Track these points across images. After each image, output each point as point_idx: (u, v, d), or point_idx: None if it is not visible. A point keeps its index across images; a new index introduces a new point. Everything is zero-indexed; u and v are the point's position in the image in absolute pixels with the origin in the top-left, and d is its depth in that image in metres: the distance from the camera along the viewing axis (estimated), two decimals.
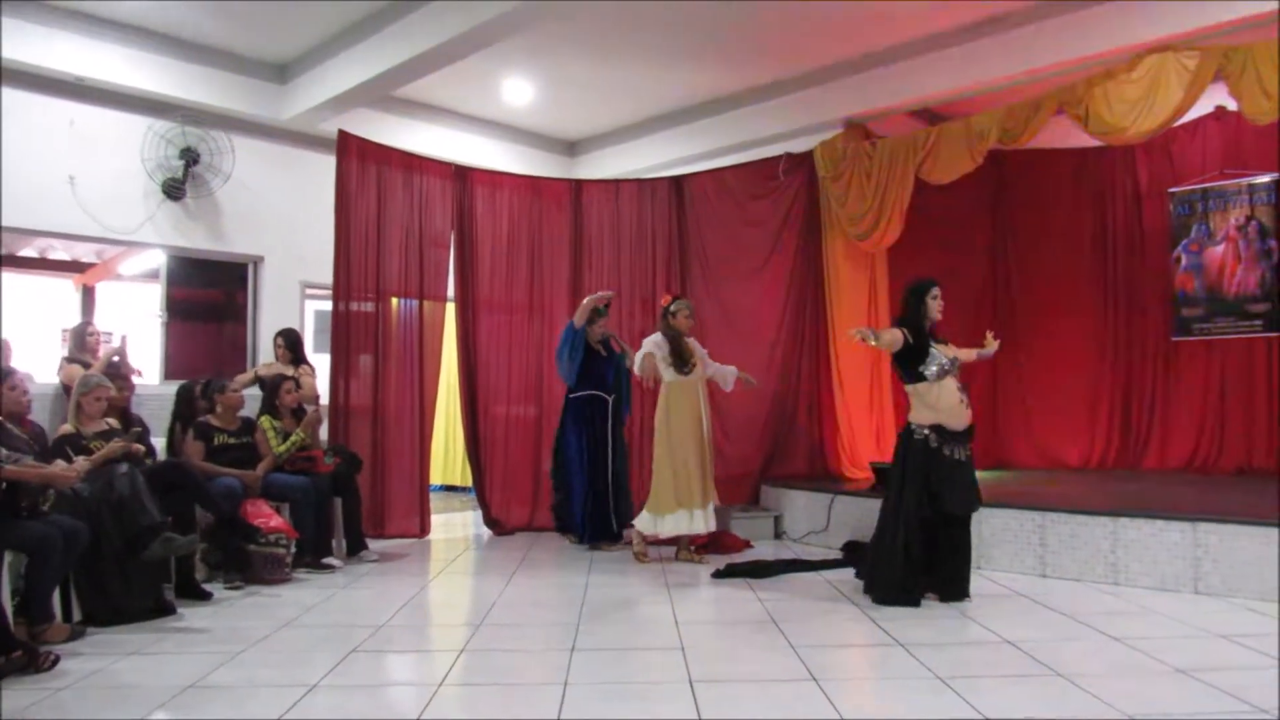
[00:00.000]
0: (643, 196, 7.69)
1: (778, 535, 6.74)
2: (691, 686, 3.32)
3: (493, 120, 8.58)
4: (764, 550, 6.18)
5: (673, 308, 5.89)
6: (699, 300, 7.44)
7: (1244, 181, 7.42)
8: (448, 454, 9.69)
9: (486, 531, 7.13)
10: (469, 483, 7.81)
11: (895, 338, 4.61)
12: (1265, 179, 7.32)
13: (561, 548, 6.50)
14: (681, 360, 5.78)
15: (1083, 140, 6.41)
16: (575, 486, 6.45)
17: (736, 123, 7.94)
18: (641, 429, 7.11)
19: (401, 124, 7.93)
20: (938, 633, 4.12)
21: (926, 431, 4.58)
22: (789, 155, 7.36)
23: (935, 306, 4.69)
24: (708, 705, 3.12)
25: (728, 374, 6.10)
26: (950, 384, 4.57)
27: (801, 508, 6.62)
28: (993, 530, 5.44)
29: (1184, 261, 7.74)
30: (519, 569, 5.71)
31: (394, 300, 6.96)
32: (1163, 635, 3.97)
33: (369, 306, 6.77)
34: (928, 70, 6.76)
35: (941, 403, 4.56)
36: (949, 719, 2.98)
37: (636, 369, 5.77)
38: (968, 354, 4.87)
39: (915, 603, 4.52)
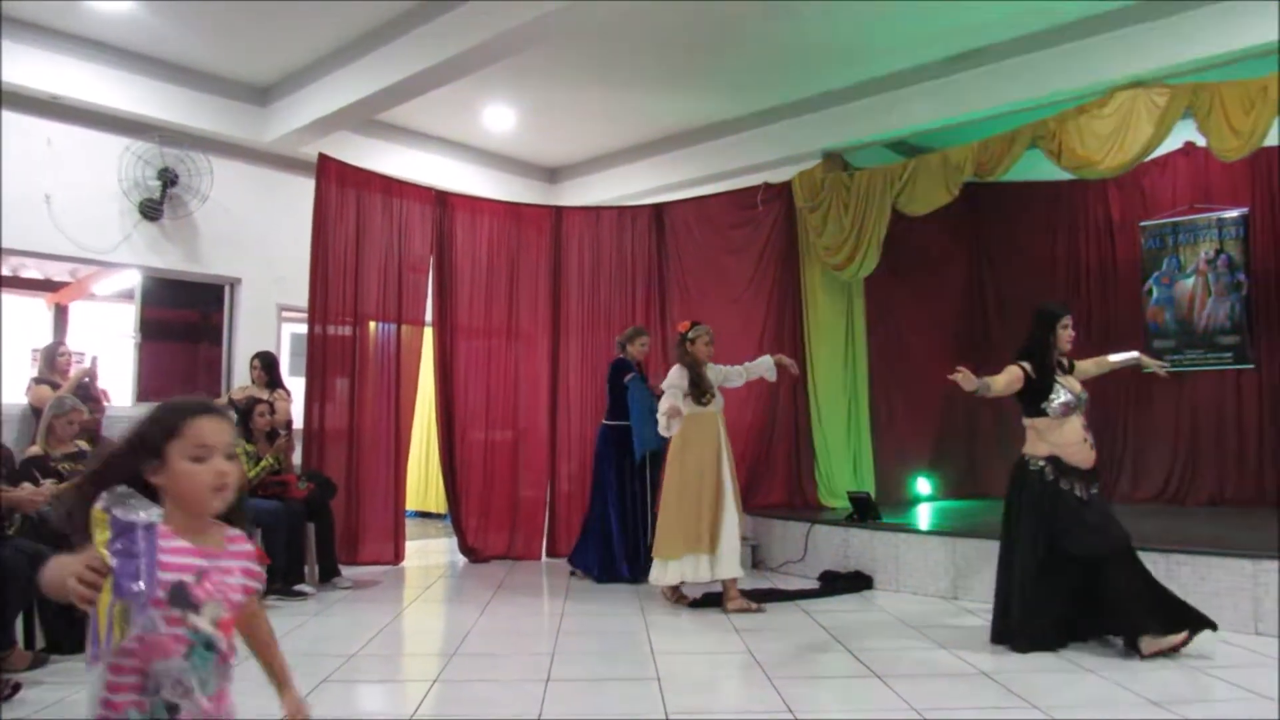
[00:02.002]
0: (623, 224, 7.73)
1: (755, 564, 6.71)
2: (667, 716, 3.28)
3: (474, 146, 8.60)
4: (741, 580, 6.14)
5: (691, 334, 5.46)
6: (677, 327, 7.48)
7: (1213, 215, 7.55)
8: (424, 480, 9.62)
9: (462, 559, 7.06)
10: (445, 509, 7.75)
11: (1012, 378, 4.25)
12: (1234, 213, 7.46)
13: (534, 576, 6.45)
14: (700, 391, 5.33)
15: (1057, 174, 6.51)
16: (611, 520, 6.19)
17: (716, 152, 8.00)
18: None
19: (383, 148, 7.93)
20: (915, 664, 4.11)
21: (1043, 463, 4.23)
22: (768, 185, 7.42)
23: (1065, 337, 4.33)
24: None
25: (762, 366, 5.64)
26: (1075, 422, 4.23)
27: (779, 537, 6.61)
28: (966, 559, 5.45)
29: (1155, 294, 7.85)
30: (494, 597, 5.65)
31: (371, 324, 6.93)
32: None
33: (346, 330, 6.74)
34: (905, 103, 6.86)
35: (1063, 440, 4.22)
36: None
37: (663, 427, 5.29)
38: (1098, 364, 4.59)
39: (1050, 647, 4.14)
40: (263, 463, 5.82)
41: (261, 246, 7.53)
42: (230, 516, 1.64)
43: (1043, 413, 4.21)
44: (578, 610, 5.31)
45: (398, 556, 6.80)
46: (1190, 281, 7.68)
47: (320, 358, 6.59)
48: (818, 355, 7.27)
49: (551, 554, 7.25)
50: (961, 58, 6.50)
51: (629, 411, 6.15)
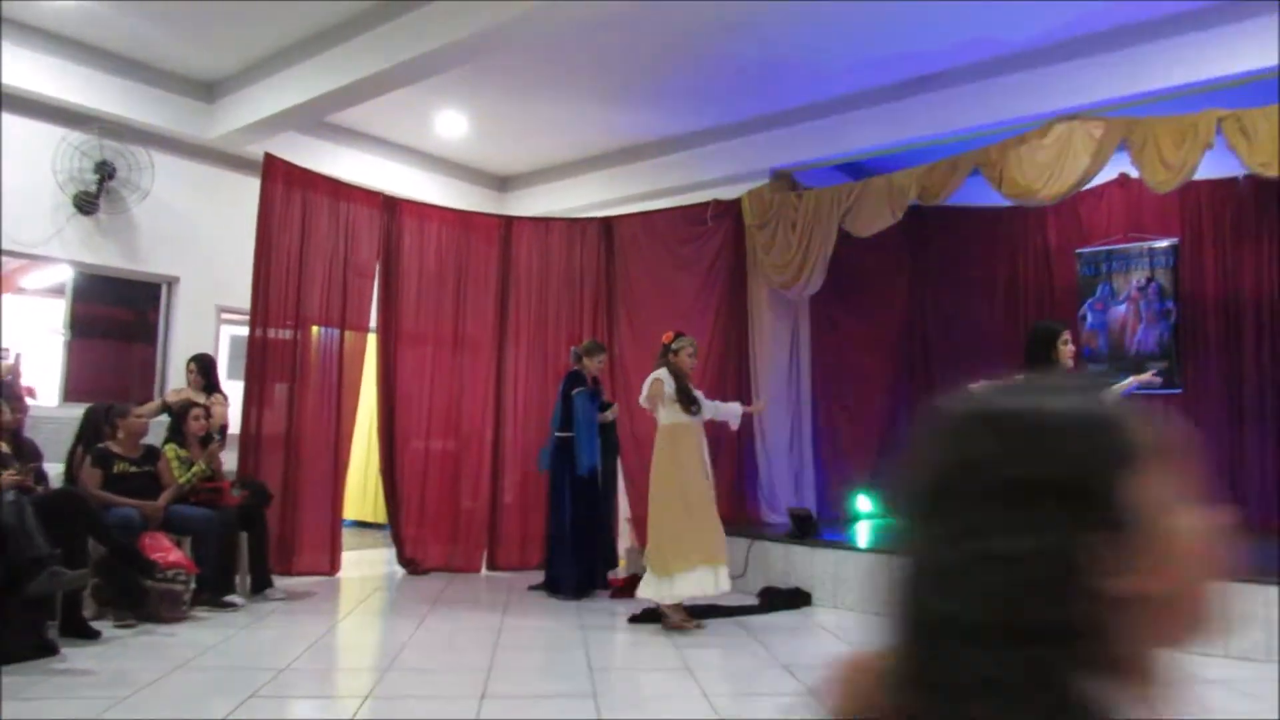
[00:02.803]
0: (572, 236, 7.71)
1: None
2: None
3: (424, 152, 8.52)
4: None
5: (675, 345, 5.33)
6: (624, 341, 7.49)
7: (1145, 245, 7.79)
8: (363, 489, 9.46)
9: (400, 571, 6.95)
10: (384, 519, 7.63)
11: None
12: (1164, 243, 7.71)
13: (474, 589, 6.38)
14: (689, 399, 5.20)
15: (998, 200, 6.67)
16: (568, 534, 6.12)
17: (667, 168, 8.04)
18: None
19: (331, 150, 7.81)
20: None
21: None
22: (717, 201, 7.47)
23: (1066, 353, 4.26)
24: None
25: (732, 411, 5.60)
26: None
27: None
28: None
29: (1089, 319, 8.06)
30: (431, 611, 5.57)
31: (314, 328, 6.81)
32: None
33: (287, 334, 6.61)
34: (854, 127, 6.97)
35: None
36: None
37: (644, 398, 5.25)
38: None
39: None
40: (195, 468, 5.67)
41: (202, 246, 7.35)
42: None
43: None
44: (516, 624, 5.26)
45: (334, 567, 6.67)
46: (1123, 308, 7.91)
47: (260, 362, 6.45)
48: (762, 371, 7.33)
49: (492, 566, 7.18)
50: (909, 84, 6.64)
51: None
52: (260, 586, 5.78)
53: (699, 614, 5.40)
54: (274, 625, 5.07)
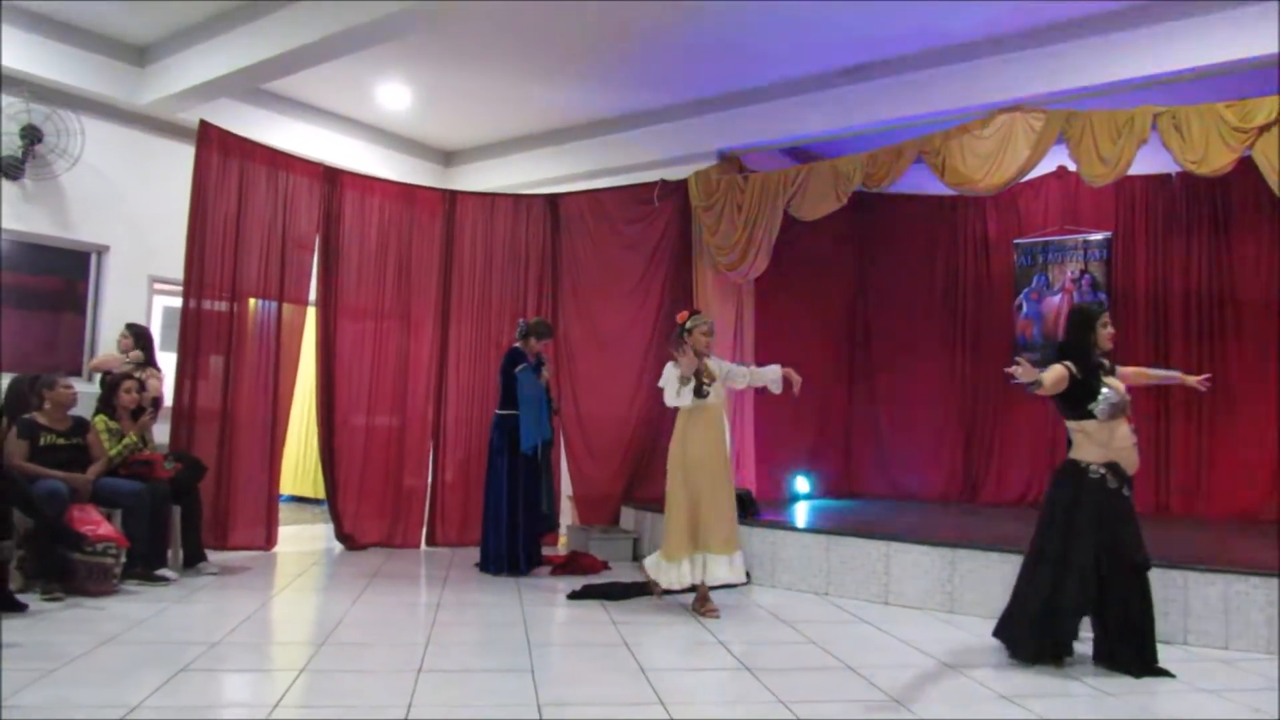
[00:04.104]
0: (518, 212, 7.66)
1: (636, 557, 6.77)
2: (539, 709, 3.28)
3: (367, 123, 8.36)
4: (622, 572, 6.20)
5: (689, 324, 5.12)
6: (568, 320, 7.49)
7: (1080, 237, 8.01)
8: (301, 464, 9.32)
9: (338, 546, 6.88)
10: (322, 494, 7.53)
11: (1059, 377, 4.01)
12: (1098, 236, 7.93)
13: (413, 565, 6.35)
14: (699, 380, 5.03)
15: (940, 188, 6.78)
16: (503, 511, 6.06)
17: (614, 146, 8.01)
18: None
19: (269, 119, 7.62)
20: (786, 659, 4.23)
21: (1103, 471, 4.00)
22: (664, 182, 7.48)
23: (1106, 335, 4.14)
24: None
25: (770, 376, 5.28)
26: (1123, 425, 4.04)
27: (660, 530, 6.66)
28: (841, 558, 5.64)
29: (1025, 308, 8.27)
30: (369, 586, 5.53)
31: (251, 301, 6.67)
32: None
33: (223, 305, 6.47)
34: (801, 111, 7.03)
35: (1116, 443, 4.01)
36: None
37: (671, 396, 5.00)
38: (1138, 374, 4.44)
39: (1061, 662, 4.01)
40: (125, 440, 5.53)
41: (134, 214, 7.13)
42: None
43: (1089, 415, 4.01)
44: (455, 600, 5.24)
45: (269, 542, 6.57)
46: (1057, 299, 8.12)
47: (194, 333, 6.30)
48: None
49: (431, 542, 7.14)
50: (855, 70, 6.71)
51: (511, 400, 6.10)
52: (193, 560, 5.67)
53: (638, 591, 5.44)
54: (206, 600, 4.99)
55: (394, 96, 7.63)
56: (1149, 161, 6.22)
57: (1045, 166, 6.86)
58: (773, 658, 4.20)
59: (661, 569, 5.03)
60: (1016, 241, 8.31)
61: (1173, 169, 6.75)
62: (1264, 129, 5.23)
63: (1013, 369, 3.93)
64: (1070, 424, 4.13)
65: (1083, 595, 3.95)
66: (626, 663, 3.98)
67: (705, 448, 5.02)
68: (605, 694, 3.54)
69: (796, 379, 5.21)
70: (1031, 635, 4.05)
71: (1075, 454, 4.09)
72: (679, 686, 3.74)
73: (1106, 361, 4.18)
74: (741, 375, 5.34)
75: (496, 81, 7.23)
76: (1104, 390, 4.01)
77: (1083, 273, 8.01)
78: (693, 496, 4.99)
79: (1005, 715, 3.40)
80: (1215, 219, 7.47)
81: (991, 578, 5.08)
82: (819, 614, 5.11)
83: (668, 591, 5.10)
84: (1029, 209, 8.28)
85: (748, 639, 4.51)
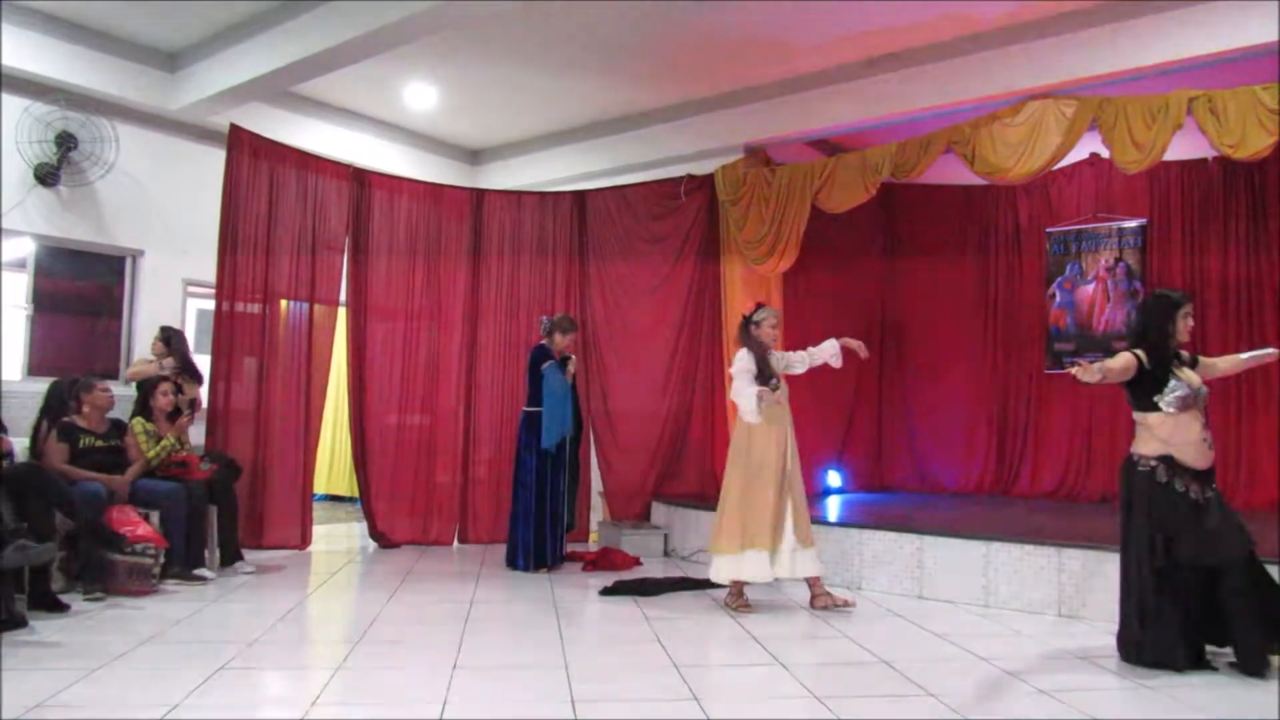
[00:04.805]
0: (544, 209, 7.67)
1: (667, 553, 6.77)
2: (573, 706, 3.29)
3: (394, 123, 8.42)
4: (653, 568, 6.21)
5: (756, 317, 5.09)
6: (596, 316, 7.49)
7: (1114, 225, 7.89)
8: (334, 463, 9.41)
9: (372, 544, 6.94)
10: (355, 493, 7.59)
11: (1127, 364, 3.91)
12: (1133, 224, 7.80)
13: (446, 563, 6.39)
14: (765, 377, 4.95)
15: (970, 178, 6.70)
16: (531, 507, 6.08)
17: (640, 141, 8.00)
18: None
19: (297, 121, 7.70)
20: (822, 654, 4.20)
21: (1154, 464, 3.89)
22: (691, 176, 7.46)
23: (1185, 327, 3.98)
24: None
25: (826, 352, 5.19)
26: (1192, 418, 3.88)
27: (692, 525, 6.67)
28: (874, 553, 5.60)
29: (1058, 298, 8.16)
30: (403, 584, 5.57)
31: (283, 302, 6.74)
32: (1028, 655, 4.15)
33: (255, 308, 6.54)
34: (827, 102, 6.97)
35: (1176, 438, 3.87)
36: None
37: (750, 411, 4.90)
38: (1232, 363, 4.25)
39: (1178, 667, 3.76)
40: (163, 442, 5.61)
41: (167, 218, 7.23)
42: None
43: (1155, 407, 3.89)
44: (488, 598, 5.27)
45: (304, 541, 6.65)
46: (1090, 287, 8.01)
47: (228, 335, 6.39)
48: (734, 347, 7.33)
49: (464, 540, 7.18)
50: (882, 60, 6.64)
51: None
52: (229, 560, 5.75)
53: (670, 587, 5.44)
54: (243, 598, 5.05)
55: (420, 96, 7.67)
56: (1183, 146, 6.11)
57: (1077, 154, 6.76)
58: (806, 652, 4.17)
59: (724, 566, 4.92)
60: (1049, 230, 8.20)
61: (1209, 153, 6.62)
62: None
63: (1073, 369, 3.84)
64: (1136, 415, 4.00)
65: (1151, 592, 3.82)
66: (659, 658, 3.98)
67: (770, 444, 4.92)
68: (639, 689, 3.54)
69: (856, 343, 5.16)
70: (1145, 637, 3.87)
71: (1134, 447, 4.00)
72: (713, 682, 3.73)
73: (1187, 354, 4.04)
74: (800, 360, 5.21)
75: (521, 78, 7.25)
76: (1173, 382, 3.88)
77: (1117, 260, 7.89)
78: (755, 492, 4.87)
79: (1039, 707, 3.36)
80: (1253, 203, 7.31)
81: (1025, 570, 5.03)
82: (852, 607, 5.06)
83: (739, 594, 4.96)
84: (1061, 197, 8.17)
85: (781, 633, 4.49)
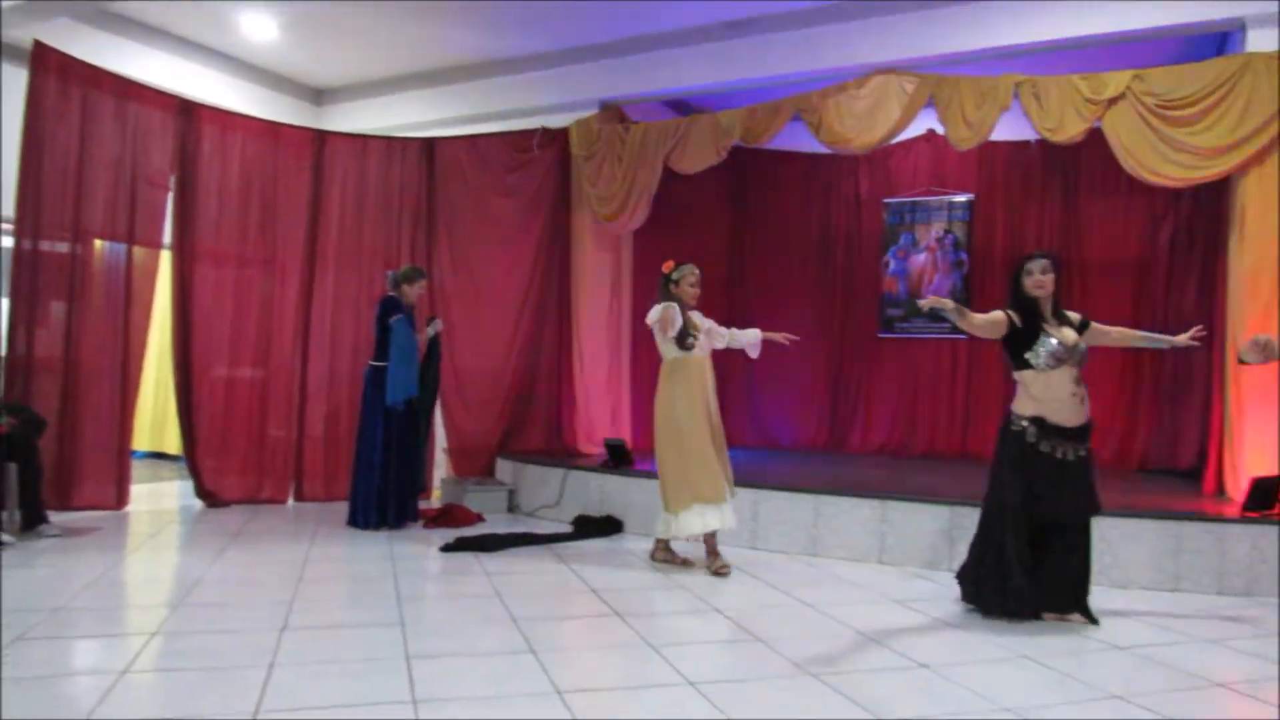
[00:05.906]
0: (392, 156, 7.36)
1: (511, 509, 6.75)
2: (408, 662, 3.24)
3: (229, 54, 7.84)
4: (497, 524, 6.17)
5: (675, 275, 5.01)
6: (444, 268, 7.31)
7: (945, 199, 8.32)
8: (157, 418, 8.85)
9: (198, 504, 6.57)
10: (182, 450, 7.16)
11: (994, 319, 4.02)
12: (962, 198, 8.25)
13: (279, 521, 6.15)
14: (684, 333, 4.93)
15: (816, 146, 6.89)
16: (376, 464, 5.90)
17: (494, 91, 7.80)
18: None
19: (118, 44, 7.03)
20: (657, 603, 4.30)
21: (1025, 423, 3.98)
22: (545, 130, 7.33)
23: (1030, 284, 4.02)
24: (423, 680, 3.07)
25: (749, 339, 5.31)
26: (1063, 374, 3.94)
27: (536, 481, 6.67)
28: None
29: (891, 265, 8.55)
30: (231, 544, 5.32)
31: (97, 242, 6.22)
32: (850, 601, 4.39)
33: (64, 247, 6.00)
34: (683, 63, 7.00)
35: (1048, 395, 3.94)
36: (667, 683, 3.12)
37: (653, 319, 4.90)
38: (1130, 336, 4.34)
39: (1027, 616, 4.00)
40: None
41: None
42: None
43: (1027, 364, 3.98)
44: (323, 556, 5.11)
45: (120, 501, 6.21)
46: (922, 257, 8.43)
47: (29, 277, 5.83)
48: (582, 303, 7.34)
49: (300, 498, 6.92)
50: (737, 25, 6.71)
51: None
52: (32, 522, 5.29)
53: (512, 543, 5.44)
54: (48, 563, 4.68)
55: (258, 26, 7.16)
56: (1011, 128, 6.49)
57: (915, 129, 7.05)
58: (641, 603, 4.26)
59: (675, 522, 4.89)
60: (886, 201, 8.56)
61: (1032, 136, 7.06)
62: (1113, 101, 5.54)
63: (921, 301, 3.95)
64: (1015, 375, 4.09)
65: (1011, 546, 3.97)
66: (498, 612, 3.97)
67: (696, 400, 4.92)
68: (476, 645, 3.52)
69: (780, 335, 5.31)
70: (986, 587, 4.07)
71: (1012, 406, 4.09)
72: (548, 634, 3.76)
73: (1076, 315, 4.15)
74: (721, 336, 5.24)
75: (369, 16, 6.89)
76: (1043, 338, 3.95)
77: (946, 232, 8.33)
78: (691, 448, 4.86)
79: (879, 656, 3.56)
80: (1068, 185, 7.86)
81: (850, 522, 5.31)
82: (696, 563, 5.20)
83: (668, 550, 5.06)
84: (899, 169, 8.53)
85: (618, 585, 4.56)
